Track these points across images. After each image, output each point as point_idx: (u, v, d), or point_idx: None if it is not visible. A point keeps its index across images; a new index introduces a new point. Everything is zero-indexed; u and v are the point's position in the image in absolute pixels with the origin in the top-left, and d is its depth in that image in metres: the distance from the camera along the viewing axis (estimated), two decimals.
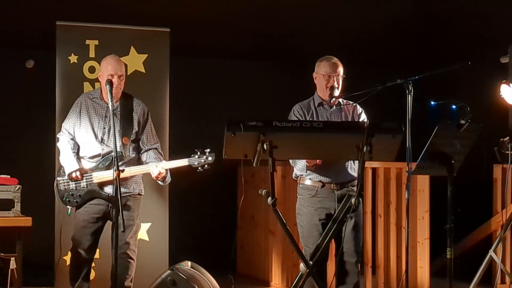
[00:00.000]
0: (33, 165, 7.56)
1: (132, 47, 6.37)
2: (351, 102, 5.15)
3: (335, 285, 5.01)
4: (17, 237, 5.17)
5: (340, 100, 5.12)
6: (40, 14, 6.96)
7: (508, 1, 6.98)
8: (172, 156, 5.71)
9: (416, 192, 6.95)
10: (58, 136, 5.42)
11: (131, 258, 5.21)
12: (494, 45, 7.93)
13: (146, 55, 6.41)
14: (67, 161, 5.23)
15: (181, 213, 7.31)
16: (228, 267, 7.22)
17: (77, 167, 5.17)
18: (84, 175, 5.17)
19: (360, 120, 5.09)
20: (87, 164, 5.22)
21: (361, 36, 7.86)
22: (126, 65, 6.00)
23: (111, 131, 5.07)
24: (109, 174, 5.08)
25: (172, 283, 5.10)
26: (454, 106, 4.70)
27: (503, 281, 6.84)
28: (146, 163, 5.22)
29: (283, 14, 7.24)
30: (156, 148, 5.30)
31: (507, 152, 5.56)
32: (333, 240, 4.74)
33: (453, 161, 4.67)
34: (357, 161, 4.53)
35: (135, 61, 6.37)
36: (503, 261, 6.23)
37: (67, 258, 5.85)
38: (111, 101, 4.98)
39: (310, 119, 5.00)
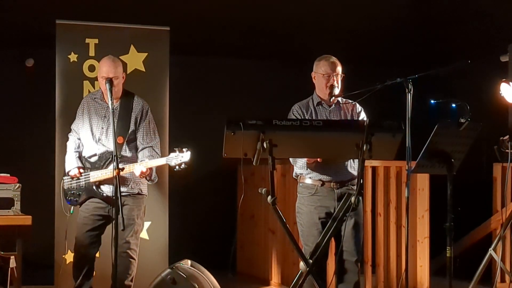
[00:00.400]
0: (33, 164, 7.56)
1: (132, 46, 6.36)
2: (350, 101, 5.15)
3: (335, 283, 5.01)
4: (16, 235, 5.18)
5: (339, 99, 5.11)
6: (39, 12, 6.95)
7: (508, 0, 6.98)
8: None
9: (416, 190, 6.95)
10: (68, 135, 5.47)
11: (132, 258, 5.22)
12: (494, 44, 7.93)
13: (146, 53, 6.41)
14: (68, 159, 5.34)
15: (181, 212, 7.31)
16: (228, 266, 7.26)
17: (75, 165, 5.23)
18: (83, 174, 5.21)
19: (360, 118, 5.09)
20: (87, 164, 5.29)
21: (361, 35, 7.85)
22: (125, 64, 6.02)
23: (109, 131, 5.09)
24: (103, 174, 5.13)
25: (172, 281, 5.10)
26: (454, 105, 4.70)
27: (503, 280, 6.84)
28: (141, 161, 5.22)
29: (282, 13, 7.23)
30: (151, 147, 5.27)
31: (506, 150, 5.56)
32: (333, 238, 4.75)
33: (452, 160, 4.67)
34: (357, 160, 4.53)
35: (135, 59, 6.37)
36: (502, 259, 6.23)
37: (67, 256, 5.86)
38: (111, 101, 4.99)
39: (309, 118, 5.00)
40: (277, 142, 4.20)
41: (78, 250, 5.23)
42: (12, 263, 5.13)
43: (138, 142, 5.29)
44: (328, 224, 4.65)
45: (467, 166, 4.92)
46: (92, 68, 6.24)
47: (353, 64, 5.67)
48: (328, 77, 5.00)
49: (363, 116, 5.12)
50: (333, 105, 5.09)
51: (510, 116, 7.78)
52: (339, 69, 5.04)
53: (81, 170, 5.24)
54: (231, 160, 4.42)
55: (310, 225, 4.94)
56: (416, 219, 6.94)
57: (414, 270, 6.94)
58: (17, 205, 5.24)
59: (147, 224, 6.24)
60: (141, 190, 5.30)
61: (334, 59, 5.06)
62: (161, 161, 5.10)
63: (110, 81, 5.02)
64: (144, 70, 6.40)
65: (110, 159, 5.14)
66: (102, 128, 5.24)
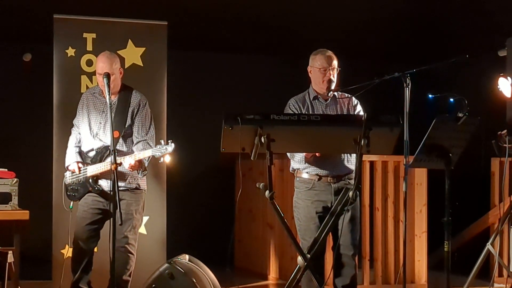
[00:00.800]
0: (31, 158, 7.56)
1: (129, 41, 6.35)
2: (346, 95, 5.14)
3: (332, 277, 5.02)
4: (14, 230, 5.17)
5: (335, 93, 5.10)
6: (37, 7, 6.94)
7: None
8: None
9: (414, 185, 6.95)
10: (71, 130, 5.47)
11: (130, 252, 5.21)
12: (492, 38, 7.93)
13: (144, 48, 6.39)
14: (67, 154, 5.36)
15: (179, 206, 7.31)
16: (226, 261, 7.26)
17: (74, 160, 5.25)
18: (81, 169, 5.22)
19: (356, 112, 5.08)
20: (86, 159, 5.30)
21: (359, 29, 7.85)
22: (123, 59, 6.01)
23: (107, 126, 5.09)
24: (99, 167, 5.13)
25: (170, 276, 5.10)
26: (451, 99, 4.70)
27: (500, 274, 6.85)
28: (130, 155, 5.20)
29: (280, 7, 7.23)
30: (145, 140, 5.23)
31: (504, 145, 5.56)
32: (330, 233, 4.75)
33: (450, 154, 4.67)
34: (354, 154, 4.53)
35: (133, 54, 6.36)
36: (500, 254, 6.24)
37: (65, 251, 5.86)
38: (109, 95, 4.98)
39: (306, 112, 4.99)
40: (275, 137, 4.20)
41: (77, 244, 5.23)
42: (10, 258, 5.12)
43: (133, 136, 5.27)
44: (326, 219, 4.65)
45: (465, 160, 4.92)
46: (89, 63, 6.23)
47: (351, 58, 5.66)
48: (324, 71, 4.98)
49: (359, 109, 5.11)
50: (329, 99, 5.08)
51: (508, 111, 7.78)
52: (335, 63, 5.02)
53: (80, 165, 5.24)
54: (229, 154, 4.42)
55: (308, 219, 4.94)
56: (414, 213, 6.94)
57: (412, 265, 6.94)
58: (15, 200, 5.23)
59: (145, 219, 6.23)
60: (139, 185, 5.28)
61: (330, 53, 5.04)
62: (147, 153, 5.02)
63: (107, 75, 5.02)
64: (141, 65, 6.38)
65: (106, 153, 5.14)
66: (100, 123, 5.24)
